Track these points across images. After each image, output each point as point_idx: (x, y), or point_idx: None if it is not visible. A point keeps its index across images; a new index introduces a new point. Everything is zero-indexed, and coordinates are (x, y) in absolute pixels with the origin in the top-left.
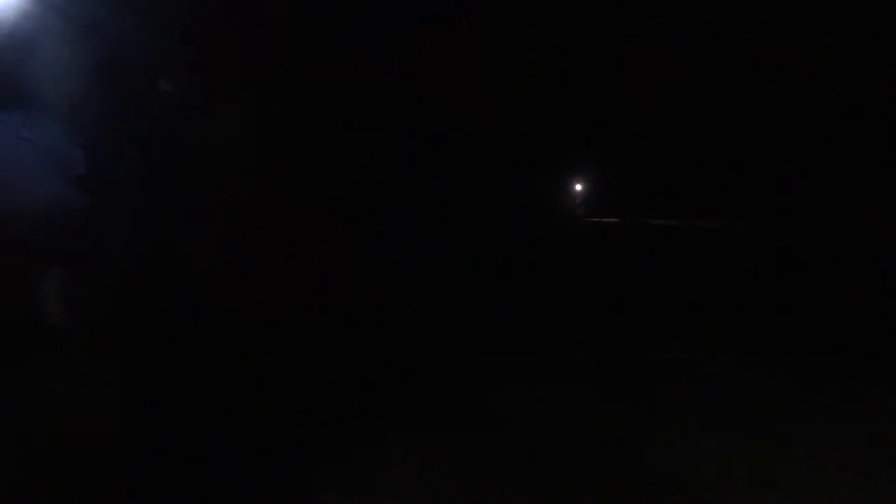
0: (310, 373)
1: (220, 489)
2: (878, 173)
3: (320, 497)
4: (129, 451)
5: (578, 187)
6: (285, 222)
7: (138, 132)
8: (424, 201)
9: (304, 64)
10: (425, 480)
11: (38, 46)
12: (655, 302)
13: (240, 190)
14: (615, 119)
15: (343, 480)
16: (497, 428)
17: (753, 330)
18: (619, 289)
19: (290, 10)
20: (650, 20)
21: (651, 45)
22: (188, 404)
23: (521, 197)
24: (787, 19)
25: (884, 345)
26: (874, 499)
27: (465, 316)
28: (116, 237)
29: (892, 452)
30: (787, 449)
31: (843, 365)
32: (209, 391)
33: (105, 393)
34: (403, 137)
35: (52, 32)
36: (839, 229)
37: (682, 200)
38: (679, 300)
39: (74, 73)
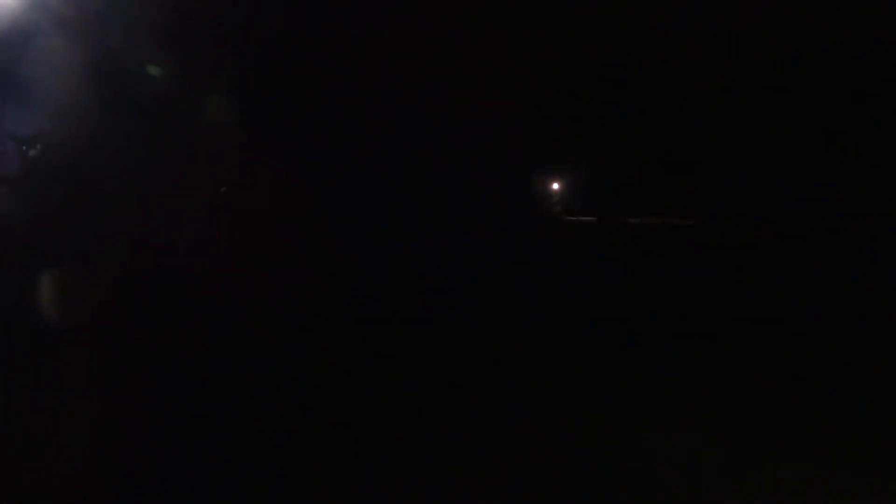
0: (310, 374)
1: (219, 491)
2: (861, 169)
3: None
4: (128, 451)
5: (555, 187)
6: (282, 222)
7: (134, 130)
8: (397, 203)
9: (298, 62)
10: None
11: (30, 44)
12: (640, 301)
13: (237, 188)
14: (590, 118)
15: (348, 490)
16: (491, 430)
17: (735, 327)
18: (603, 288)
19: (284, 8)
20: (623, 16)
21: (628, 42)
22: (187, 405)
23: (499, 197)
24: (764, 11)
25: (876, 341)
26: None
27: (450, 317)
28: (112, 235)
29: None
30: (784, 449)
31: (837, 362)
32: (209, 392)
33: (102, 392)
34: (381, 137)
35: (44, 30)
36: (820, 225)
37: (658, 198)
38: (663, 298)
39: (70, 71)
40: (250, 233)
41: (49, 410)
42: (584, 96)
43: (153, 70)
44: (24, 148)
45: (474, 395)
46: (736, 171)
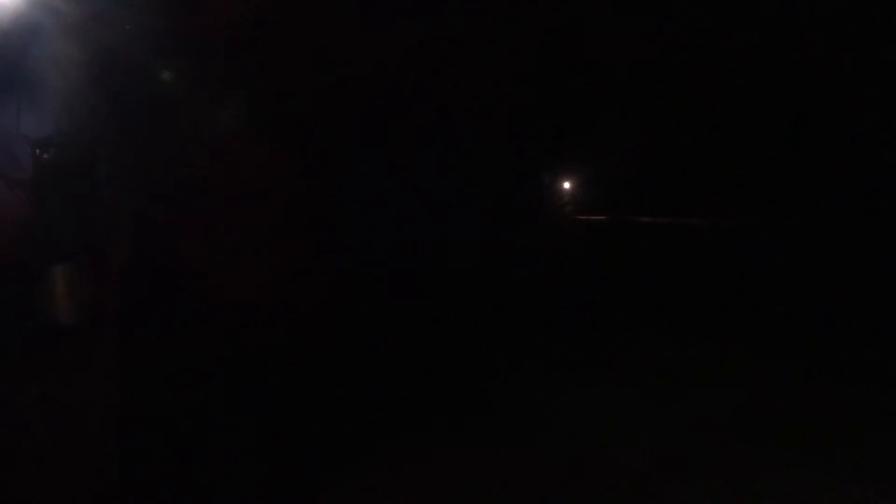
0: (313, 376)
1: (221, 491)
2: (872, 169)
3: None
4: (129, 451)
5: (566, 185)
6: (284, 222)
7: (135, 129)
8: (410, 202)
9: (302, 62)
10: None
11: (33, 42)
12: (650, 299)
13: (238, 188)
14: (602, 116)
15: (349, 490)
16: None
17: (747, 327)
18: (613, 287)
19: (288, 7)
20: (634, 15)
21: (638, 41)
22: (189, 406)
23: (510, 197)
24: (776, 13)
25: (879, 341)
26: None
27: (460, 318)
28: (112, 235)
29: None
30: (786, 446)
31: (842, 361)
32: (210, 393)
33: (104, 393)
34: (390, 135)
35: (46, 28)
36: (831, 225)
37: (670, 197)
38: (673, 297)
39: (70, 69)
40: (258, 233)
41: (57, 410)
42: (595, 95)
43: (166, 71)
44: (38, 150)
45: (479, 395)
46: (748, 171)
